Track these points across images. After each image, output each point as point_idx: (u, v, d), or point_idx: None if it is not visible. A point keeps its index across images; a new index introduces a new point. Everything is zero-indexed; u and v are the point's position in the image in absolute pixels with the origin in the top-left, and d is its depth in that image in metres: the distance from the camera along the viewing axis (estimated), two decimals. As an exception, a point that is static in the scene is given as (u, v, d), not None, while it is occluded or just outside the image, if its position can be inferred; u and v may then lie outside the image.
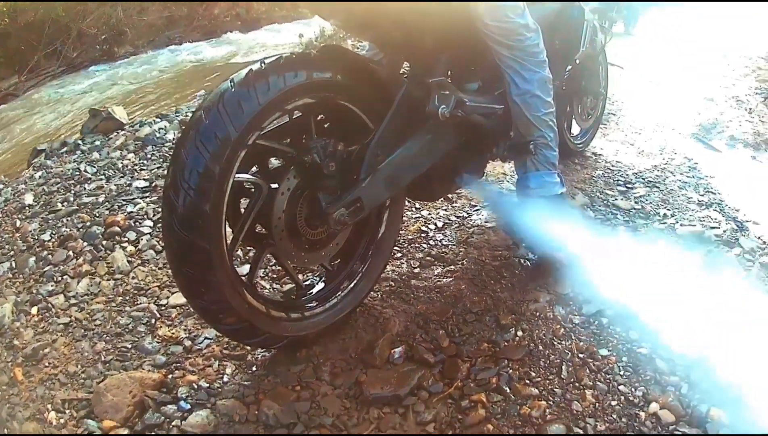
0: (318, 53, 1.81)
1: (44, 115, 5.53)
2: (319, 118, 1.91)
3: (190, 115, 4.40)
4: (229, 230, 1.71)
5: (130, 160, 3.66)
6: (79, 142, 4.14)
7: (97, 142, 4.08)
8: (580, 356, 2.01)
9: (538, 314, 2.19)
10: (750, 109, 4.08)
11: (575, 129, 3.25)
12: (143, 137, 3.92)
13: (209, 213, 1.55)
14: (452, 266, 2.43)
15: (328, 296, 2.05)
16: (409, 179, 2.04)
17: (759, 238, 2.65)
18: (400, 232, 2.63)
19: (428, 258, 2.48)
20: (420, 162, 2.04)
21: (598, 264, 2.39)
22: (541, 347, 2.05)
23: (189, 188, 1.51)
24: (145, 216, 2.95)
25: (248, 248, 2.36)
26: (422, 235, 2.64)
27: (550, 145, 2.26)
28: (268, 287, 2.35)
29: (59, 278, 2.53)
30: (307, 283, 2.12)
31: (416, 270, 2.42)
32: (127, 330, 2.21)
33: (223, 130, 1.52)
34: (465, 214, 2.79)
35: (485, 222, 2.72)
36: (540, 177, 2.29)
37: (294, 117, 1.77)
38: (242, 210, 1.84)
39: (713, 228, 2.67)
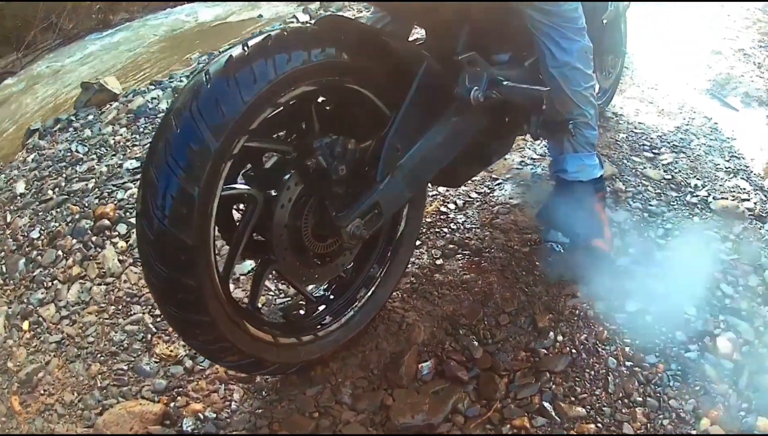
0: (316, 26, 1.37)
1: (42, 91, 5.00)
2: (323, 105, 1.50)
3: (185, 81, 3.94)
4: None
5: (122, 135, 3.22)
6: (72, 118, 3.65)
7: (90, 117, 3.61)
8: (627, 364, 1.68)
9: (577, 312, 1.83)
10: (759, 63, 3.64)
11: (595, 88, 2.81)
12: (136, 109, 3.46)
13: (192, 245, 1.17)
14: (478, 256, 2.05)
15: (344, 309, 1.68)
16: (435, 173, 1.64)
17: (787, 209, 2.29)
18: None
19: (451, 246, 2.10)
20: (446, 152, 1.63)
21: (637, 250, 2.04)
22: (584, 355, 1.71)
23: (163, 217, 1.13)
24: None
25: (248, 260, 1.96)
26: (441, 216, 2.25)
27: (590, 123, 1.86)
28: (272, 288, 1.97)
29: (49, 284, 2.16)
30: (317, 295, 1.74)
31: (439, 261, 2.04)
32: (122, 348, 1.86)
33: (200, 141, 1.13)
34: (486, 190, 2.39)
35: (509, 198, 2.32)
36: (578, 159, 1.89)
37: (290, 107, 1.36)
38: (235, 219, 1.47)
39: (744, 200, 2.31)
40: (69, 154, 3.14)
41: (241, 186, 1.35)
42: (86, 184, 2.73)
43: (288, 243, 1.41)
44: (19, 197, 2.82)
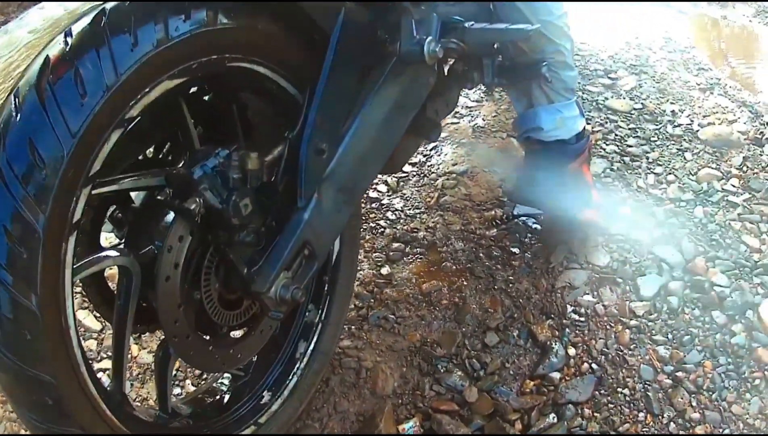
0: None
1: None
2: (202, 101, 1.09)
3: None
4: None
5: None
6: None
7: None
8: (666, 369, 1.41)
9: (583, 309, 1.53)
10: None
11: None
12: None
13: (55, 382, 0.84)
14: (434, 252, 1.68)
15: (284, 377, 1.26)
16: (378, 171, 1.23)
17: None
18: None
19: (395, 245, 1.71)
20: (393, 133, 1.21)
21: (632, 209, 1.77)
22: (609, 369, 1.41)
23: (9, 350, 0.82)
24: None
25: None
26: (373, 205, 1.85)
27: (569, 62, 1.52)
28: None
29: None
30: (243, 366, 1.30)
31: (385, 270, 1.65)
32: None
33: (19, 218, 0.78)
34: (421, 159, 2.01)
35: (453, 165, 1.96)
36: (555, 112, 1.54)
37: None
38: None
39: (733, 122, 2.11)
40: None
41: (106, 254, 0.97)
42: None
43: (188, 328, 1.01)
44: None
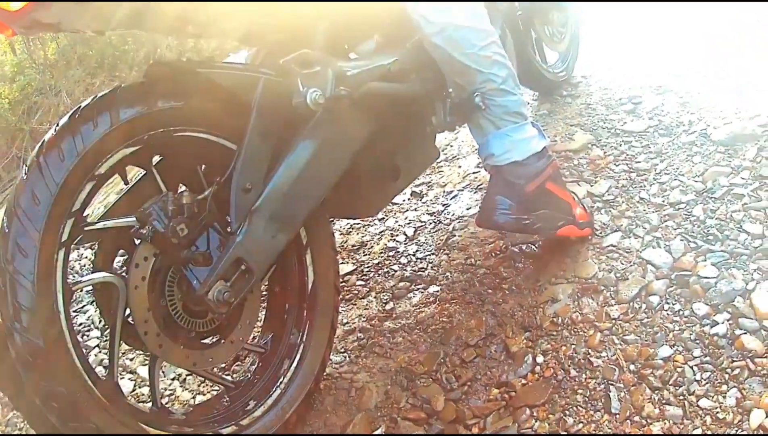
0: (144, 78, 1.30)
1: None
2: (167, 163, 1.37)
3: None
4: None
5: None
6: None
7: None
8: (632, 367, 1.34)
9: (560, 320, 1.49)
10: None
11: (551, 56, 2.50)
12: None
13: (44, 347, 1.09)
14: (434, 286, 1.75)
15: (268, 388, 1.43)
16: (312, 206, 1.39)
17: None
18: (364, 259, 1.97)
19: (402, 284, 1.80)
20: (319, 178, 1.38)
21: (630, 220, 1.70)
22: (573, 372, 1.37)
23: (14, 321, 1.09)
24: (92, 325, 2.34)
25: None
26: (390, 253, 1.96)
27: (504, 88, 1.53)
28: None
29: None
30: (236, 380, 1.50)
31: (389, 306, 1.74)
32: None
33: (25, 235, 1.12)
34: (440, 208, 2.09)
35: (467, 209, 2.02)
36: (503, 136, 1.56)
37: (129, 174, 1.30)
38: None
39: (754, 117, 1.92)
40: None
41: (96, 275, 1.26)
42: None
43: (160, 328, 1.25)
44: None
